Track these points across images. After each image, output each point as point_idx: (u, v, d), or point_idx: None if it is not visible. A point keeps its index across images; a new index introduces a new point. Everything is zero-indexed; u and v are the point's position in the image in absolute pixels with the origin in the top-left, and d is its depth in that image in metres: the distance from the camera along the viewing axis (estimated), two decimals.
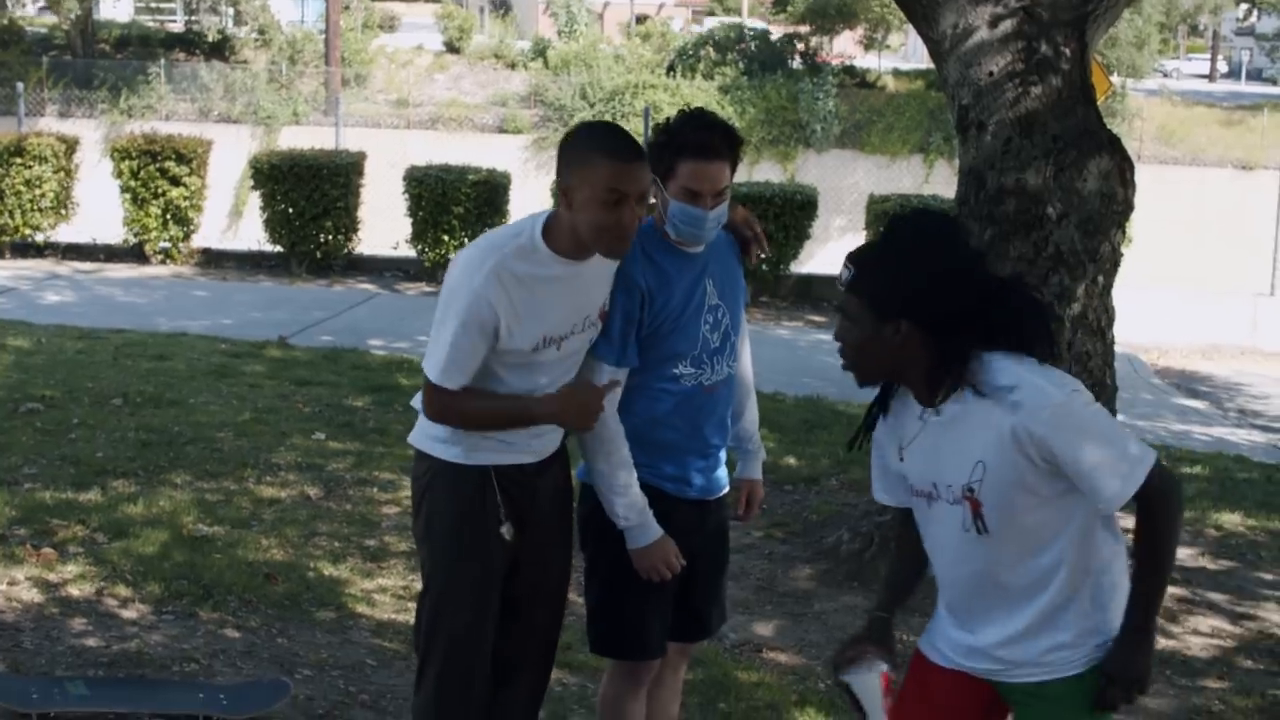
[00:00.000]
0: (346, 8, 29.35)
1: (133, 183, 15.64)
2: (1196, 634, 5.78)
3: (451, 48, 30.36)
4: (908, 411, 2.85)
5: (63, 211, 16.11)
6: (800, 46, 29.43)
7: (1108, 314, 5.88)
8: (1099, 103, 6.05)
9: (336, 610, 5.38)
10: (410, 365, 9.93)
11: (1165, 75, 43.34)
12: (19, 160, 15.65)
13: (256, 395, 8.92)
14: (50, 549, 5.72)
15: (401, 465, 7.12)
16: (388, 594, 5.59)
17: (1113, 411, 6.00)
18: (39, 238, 16.02)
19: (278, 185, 15.55)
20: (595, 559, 3.61)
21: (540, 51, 29.01)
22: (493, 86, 28.10)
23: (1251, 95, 38.29)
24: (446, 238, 15.07)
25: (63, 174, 16.06)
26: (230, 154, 20.40)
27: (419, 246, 15.47)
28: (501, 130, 26.32)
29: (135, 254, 16.01)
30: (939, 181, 23.60)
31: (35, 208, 15.78)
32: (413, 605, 3.84)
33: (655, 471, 3.52)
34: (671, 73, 27.61)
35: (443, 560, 3.40)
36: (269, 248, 16.07)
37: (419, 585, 3.54)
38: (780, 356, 12.07)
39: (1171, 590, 6.10)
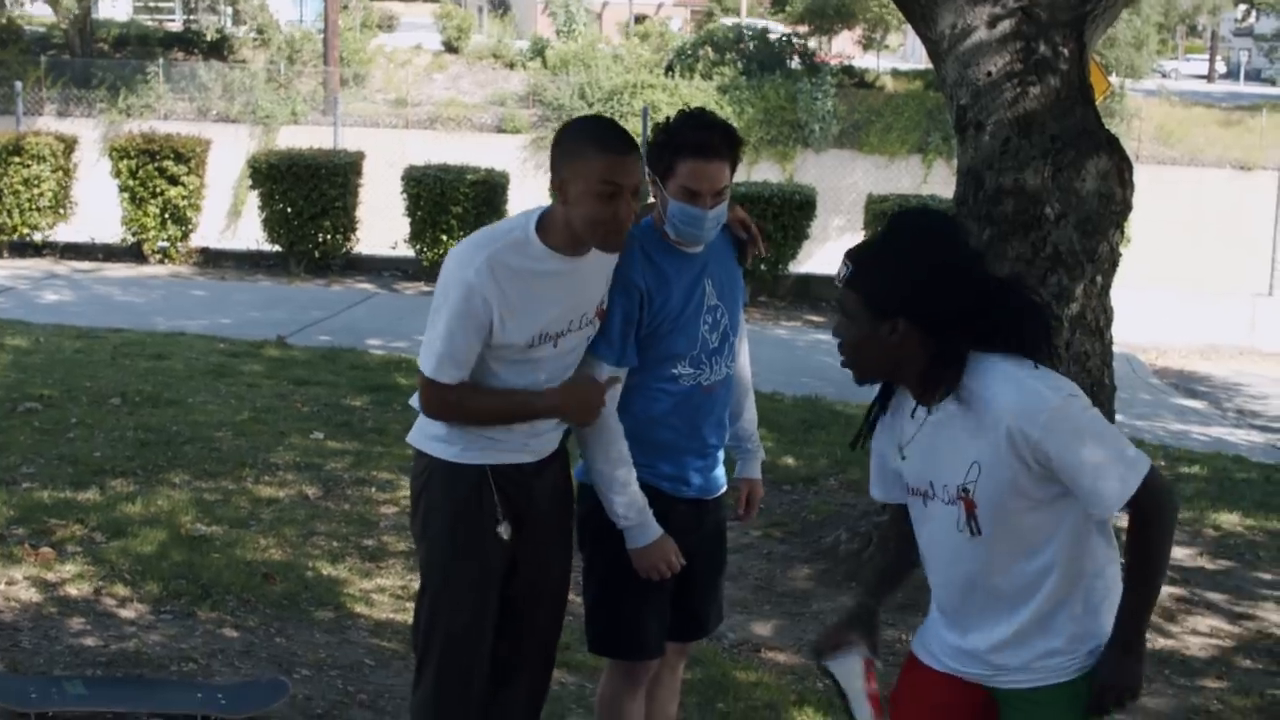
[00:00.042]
0: (345, 7, 29.34)
1: (131, 182, 15.64)
2: (1195, 634, 5.78)
3: (450, 47, 30.34)
4: (907, 410, 2.85)
5: (61, 211, 16.12)
6: (799, 45, 29.37)
7: (1106, 314, 5.88)
8: (1097, 103, 6.04)
9: (335, 610, 5.38)
10: (409, 365, 9.93)
11: (1164, 76, 43.34)
12: (17, 159, 15.66)
13: (255, 395, 8.92)
14: (48, 548, 5.72)
15: (400, 465, 7.12)
16: (386, 594, 5.59)
17: (1111, 411, 6.01)
18: (37, 237, 16.02)
19: (276, 185, 15.55)
20: (593, 559, 3.61)
21: (539, 51, 28.99)
22: (491, 86, 28.08)
23: (1250, 96, 38.26)
24: (445, 237, 15.07)
25: (61, 173, 16.06)
26: (228, 153, 20.39)
27: (417, 246, 15.48)
28: (500, 130, 26.29)
29: (133, 253, 16.01)
30: (937, 181, 23.59)
31: (33, 207, 15.78)
32: (411, 605, 3.85)
33: (653, 471, 3.51)
34: (670, 73, 27.59)
35: (439, 559, 3.39)
36: (267, 247, 16.07)
37: (417, 585, 3.54)
38: (778, 356, 12.08)
39: (1170, 590, 6.10)
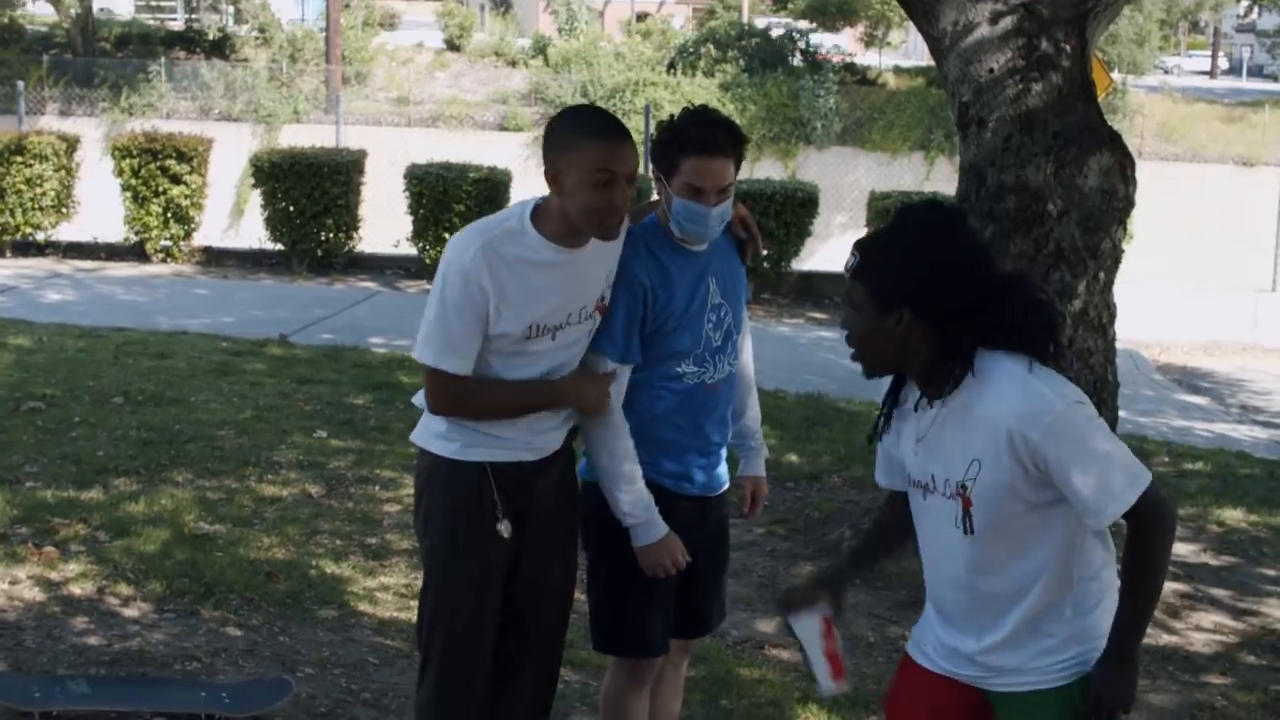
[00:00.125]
0: (347, 5, 29.32)
1: (133, 181, 15.64)
2: (1199, 630, 5.78)
3: (452, 45, 30.32)
4: (915, 403, 2.84)
5: (63, 210, 16.12)
6: (802, 43, 29.34)
7: (1109, 310, 5.87)
8: (1100, 99, 6.04)
9: (338, 608, 5.38)
10: (411, 363, 9.92)
11: (1166, 72, 43.27)
12: (20, 159, 15.66)
13: (257, 393, 8.92)
14: (52, 547, 5.72)
15: (403, 463, 7.12)
16: (390, 592, 5.59)
17: (1115, 408, 6.01)
18: (40, 236, 16.03)
19: (278, 183, 15.55)
20: (597, 557, 3.61)
21: (541, 49, 28.97)
22: (493, 84, 28.07)
23: (1252, 92, 38.25)
24: (447, 235, 15.03)
25: (63, 172, 16.06)
26: (231, 152, 20.39)
27: (420, 244, 15.48)
28: (502, 128, 26.28)
29: (136, 252, 16.02)
30: (940, 178, 23.59)
31: (36, 206, 15.79)
32: (415, 603, 3.84)
33: (656, 468, 3.51)
34: (672, 70, 27.58)
35: (440, 557, 3.39)
36: (270, 246, 16.08)
37: (421, 583, 3.54)
38: (781, 353, 12.08)
39: (1174, 586, 6.10)
